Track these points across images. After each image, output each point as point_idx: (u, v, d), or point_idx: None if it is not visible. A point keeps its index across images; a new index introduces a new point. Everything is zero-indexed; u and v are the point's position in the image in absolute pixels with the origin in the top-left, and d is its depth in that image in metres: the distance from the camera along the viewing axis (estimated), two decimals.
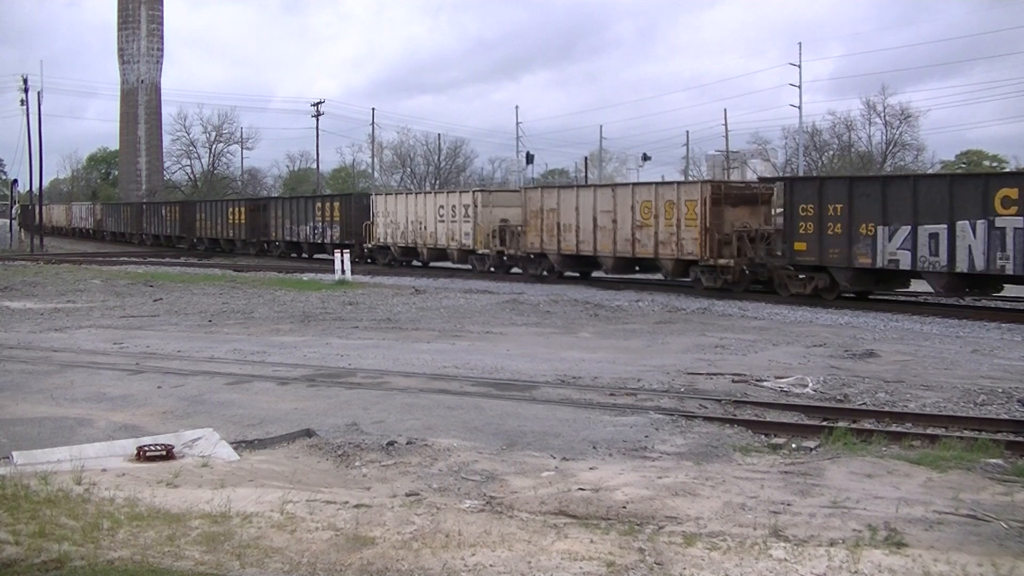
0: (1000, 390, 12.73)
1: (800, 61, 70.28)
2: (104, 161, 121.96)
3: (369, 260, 41.88)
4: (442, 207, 37.90)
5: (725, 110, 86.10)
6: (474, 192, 37.59)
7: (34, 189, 69.17)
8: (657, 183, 31.34)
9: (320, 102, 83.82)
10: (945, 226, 22.01)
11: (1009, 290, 23.81)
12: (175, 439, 9.76)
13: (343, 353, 16.40)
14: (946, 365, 15.16)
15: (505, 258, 35.08)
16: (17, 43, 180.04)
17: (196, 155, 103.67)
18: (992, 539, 6.77)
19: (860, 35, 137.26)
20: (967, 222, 21.63)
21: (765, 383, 13.36)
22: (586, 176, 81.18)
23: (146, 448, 9.30)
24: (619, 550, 6.49)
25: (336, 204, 45.38)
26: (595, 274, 32.93)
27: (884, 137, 75.81)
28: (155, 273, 38.15)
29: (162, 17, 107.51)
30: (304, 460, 9.43)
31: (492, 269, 35.71)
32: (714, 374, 14.09)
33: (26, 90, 64.84)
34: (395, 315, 22.75)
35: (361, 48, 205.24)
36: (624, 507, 7.57)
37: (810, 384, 13.22)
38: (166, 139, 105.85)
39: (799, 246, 25.00)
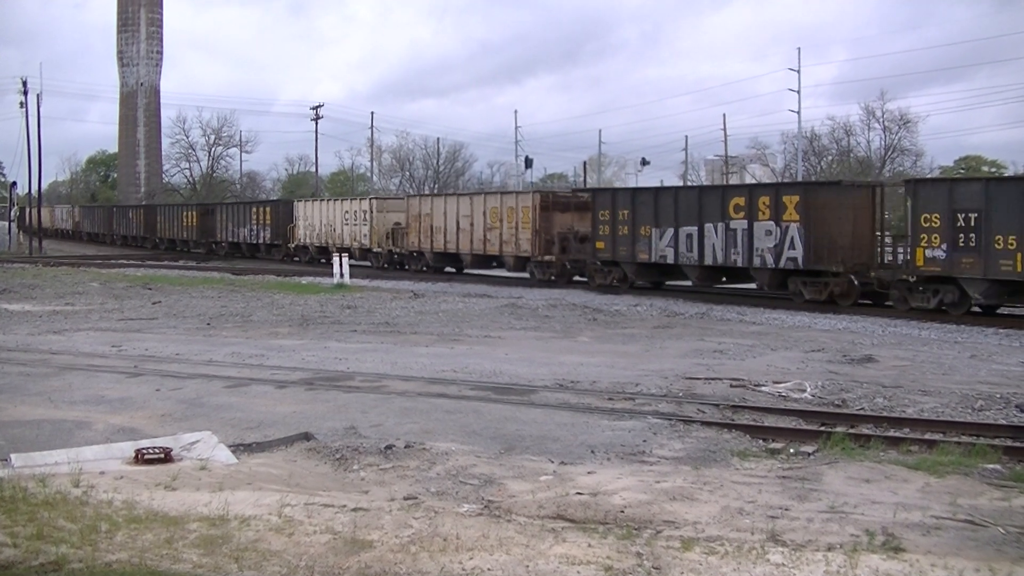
0: (998, 395, 12.74)
1: (799, 66, 70.40)
2: (103, 164, 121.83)
3: (295, 259, 47.65)
4: (347, 212, 43.87)
5: (724, 115, 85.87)
6: (370, 199, 43.92)
7: (33, 192, 69.30)
8: (502, 192, 38.55)
9: (319, 105, 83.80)
10: (696, 228, 27.07)
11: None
12: (173, 442, 9.76)
13: (341, 357, 16.40)
14: (944, 370, 15.18)
15: (395, 256, 40.56)
16: (20, 45, 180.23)
17: (195, 158, 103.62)
18: (990, 544, 6.77)
19: (864, 40, 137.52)
20: (711, 225, 26.74)
21: (763, 388, 13.37)
22: (584, 180, 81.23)
23: (144, 451, 9.29)
24: (617, 554, 6.49)
25: (268, 209, 51.44)
26: (467, 270, 38.10)
27: (883, 142, 75.89)
28: (153, 276, 38.14)
29: (161, 20, 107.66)
30: (302, 463, 9.43)
31: (385, 265, 40.85)
32: (712, 379, 14.10)
33: (25, 92, 64.93)
34: (393, 319, 22.75)
35: (365, 51, 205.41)
36: (622, 511, 7.57)
37: (808, 389, 13.23)
38: (165, 142, 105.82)
39: (599, 245, 30.05)
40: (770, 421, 11.35)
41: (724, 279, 28.04)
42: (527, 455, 9.67)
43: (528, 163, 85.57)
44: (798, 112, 70.76)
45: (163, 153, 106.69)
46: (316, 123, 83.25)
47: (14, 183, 70.51)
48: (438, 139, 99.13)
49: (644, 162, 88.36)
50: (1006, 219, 21.28)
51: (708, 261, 26.83)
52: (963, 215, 21.93)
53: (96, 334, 19.91)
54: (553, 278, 32.61)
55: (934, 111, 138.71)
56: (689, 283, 29.01)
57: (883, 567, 6.26)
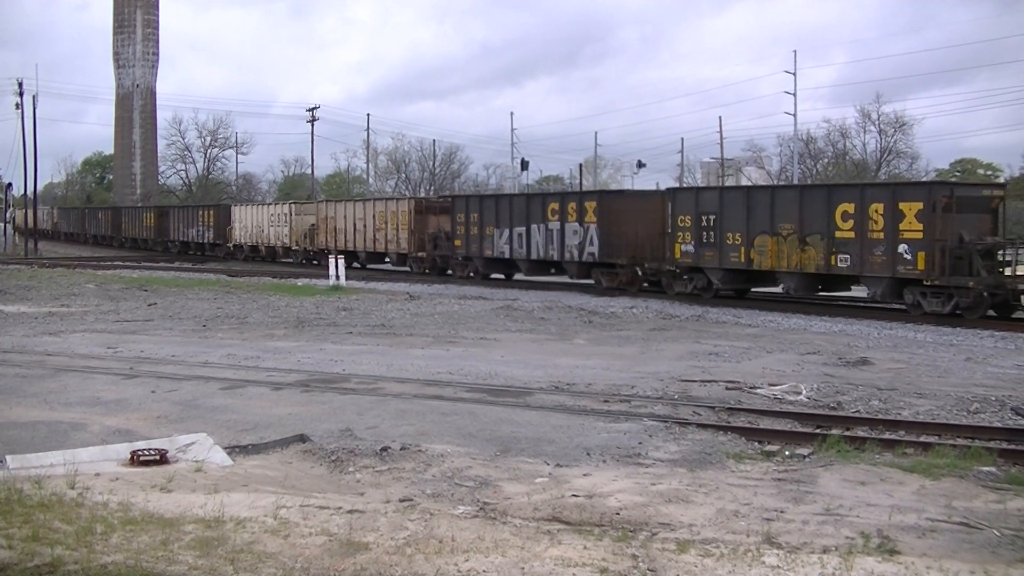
0: (993, 398, 12.77)
1: (795, 69, 70.51)
2: (99, 165, 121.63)
3: (234, 256, 52.96)
4: (272, 215, 50.00)
5: (720, 117, 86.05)
6: (290, 204, 50.22)
7: (28, 193, 69.24)
8: (387, 198, 45.66)
9: (315, 107, 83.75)
10: (525, 228, 32.75)
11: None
12: (169, 444, 9.75)
13: (337, 358, 16.39)
14: (940, 373, 15.20)
15: (310, 253, 46.29)
16: (20, 46, 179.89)
17: (191, 160, 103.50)
18: (985, 547, 6.78)
19: (864, 42, 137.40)
20: (536, 226, 32.46)
21: (759, 390, 13.39)
22: (580, 182, 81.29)
23: (140, 453, 9.28)
24: (612, 556, 6.49)
25: (211, 212, 57.15)
26: (372, 266, 42.90)
27: (879, 145, 75.99)
28: (149, 278, 38.09)
29: (157, 22, 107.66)
30: (298, 465, 9.42)
31: (303, 262, 46.84)
32: (708, 381, 14.10)
33: (21, 94, 64.91)
34: (389, 321, 22.74)
35: (365, 53, 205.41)
36: (618, 513, 7.58)
37: (804, 391, 13.25)
38: (161, 144, 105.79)
39: (457, 243, 35.98)
40: (766, 423, 11.36)
41: (552, 271, 33.20)
42: (523, 457, 9.67)
43: (524, 165, 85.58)
44: (794, 115, 70.95)
45: (159, 155, 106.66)
46: (312, 125, 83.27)
47: (9, 184, 70.57)
48: (434, 141, 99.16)
49: (640, 164, 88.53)
50: (734, 220, 26.13)
51: (534, 256, 32.68)
52: (705, 217, 26.91)
53: (92, 336, 19.88)
54: (427, 271, 38.30)
55: (933, 114, 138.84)
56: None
57: (878, 569, 6.27)
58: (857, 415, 11.80)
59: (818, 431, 10.75)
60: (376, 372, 14.91)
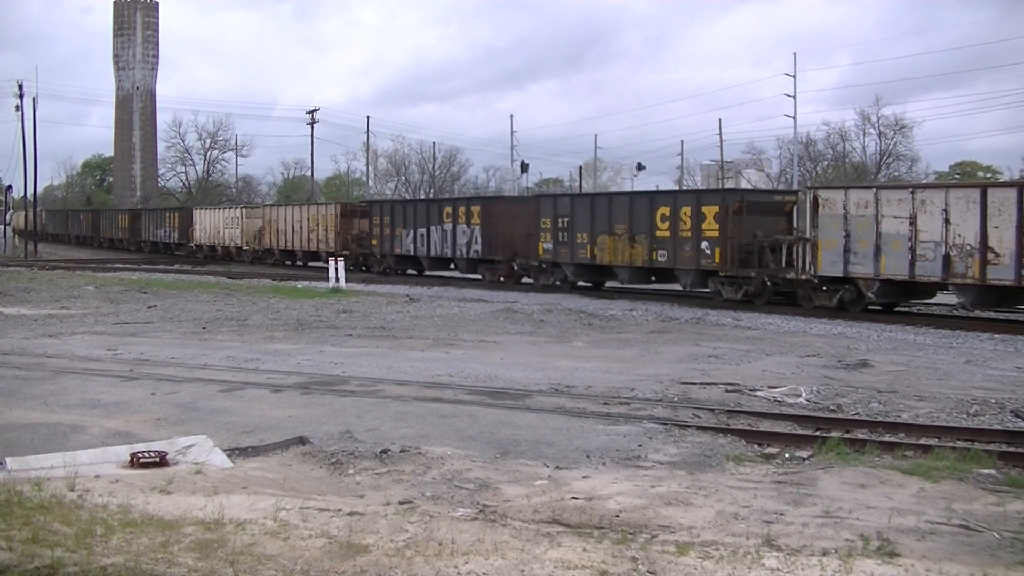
0: (993, 401, 12.77)
1: (795, 71, 70.59)
2: (99, 167, 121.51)
3: (196, 255, 56.77)
4: (226, 218, 55.28)
5: (720, 120, 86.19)
6: (241, 208, 55.71)
7: (28, 195, 69.29)
8: (318, 204, 51.57)
9: (315, 110, 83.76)
10: (426, 229, 37.85)
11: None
12: (169, 446, 9.74)
13: (337, 361, 16.39)
14: (939, 376, 15.20)
15: (257, 252, 51.35)
16: (24, 48, 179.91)
17: (191, 162, 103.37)
18: (984, 549, 6.79)
19: (867, 45, 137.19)
20: (434, 227, 37.56)
21: (758, 393, 13.38)
22: (580, 185, 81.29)
23: (140, 455, 9.28)
24: (612, 559, 6.50)
25: (176, 215, 62.62)
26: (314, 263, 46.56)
27: (878, 148, 75.94)
28: (149, 280, 38.09)
29: (157, 25, 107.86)
30: (298, 468, 9.42)
31: (251, 260, 51.50)
32: (707, 384, 14.10)
33: (21, 96, 64.93)
34: (389, 323, 22.74)
35: (369, 56, 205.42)
36: (617, 516, 7.58)
37: (803, 394, 13.25)
38: (161, 146, 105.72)
39: (374, 242, 41.32)
40: (765, 426, 11.36)
41: (452, 267, 37.92)
42: (522, 460, 9.67)
43: (524, 168, 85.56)
44: (794, 117, 71.01)
45: (159, 157, 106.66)
46: (312, 127, 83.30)
47: (9, 186, 70.61)
48: (433, 144, 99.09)
49: (640, 167, 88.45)
50: (582, 222, 30.37)
51: (433, 253, 37.68)
52: (561, 219, 31.16)
53: (91, 338, 19.88)
54: (351, 268, 40.80)
55: (935, 116, 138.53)
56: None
57: (878, 572, 6.27)
58: (857, 417, 11.80)
59: (818, 433, 10.75)
60: (376, 374, 14.91)
